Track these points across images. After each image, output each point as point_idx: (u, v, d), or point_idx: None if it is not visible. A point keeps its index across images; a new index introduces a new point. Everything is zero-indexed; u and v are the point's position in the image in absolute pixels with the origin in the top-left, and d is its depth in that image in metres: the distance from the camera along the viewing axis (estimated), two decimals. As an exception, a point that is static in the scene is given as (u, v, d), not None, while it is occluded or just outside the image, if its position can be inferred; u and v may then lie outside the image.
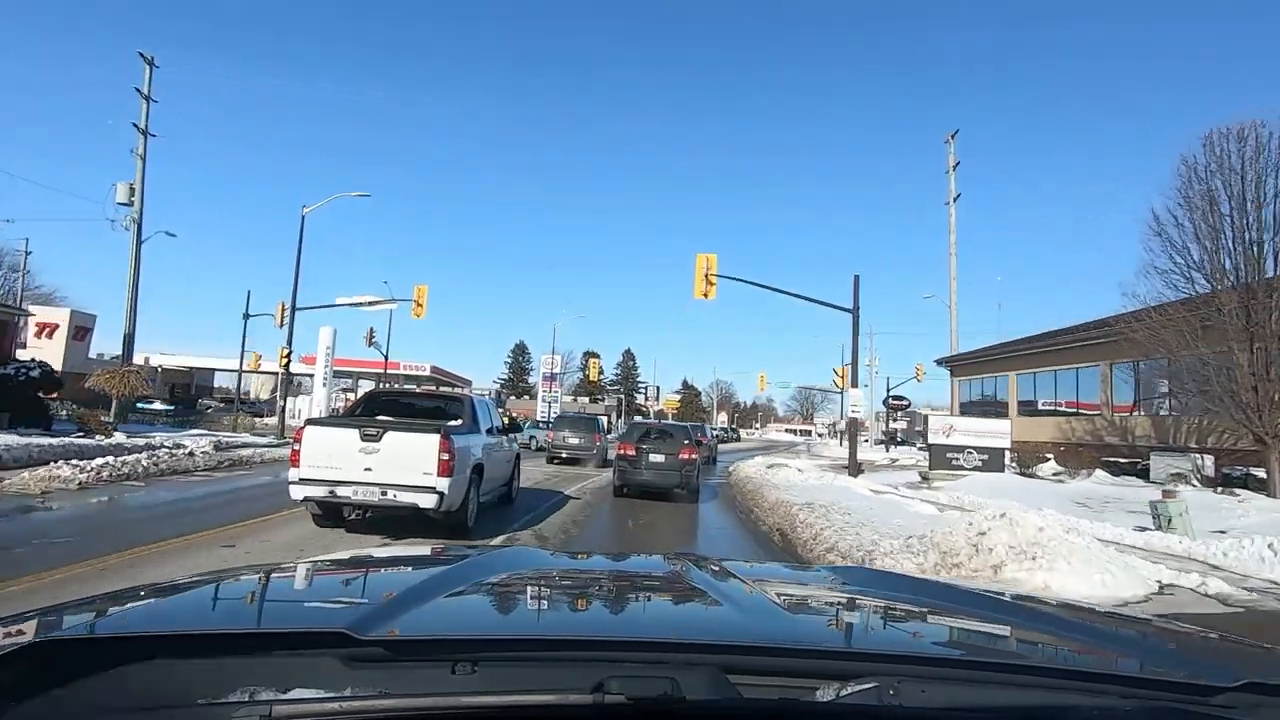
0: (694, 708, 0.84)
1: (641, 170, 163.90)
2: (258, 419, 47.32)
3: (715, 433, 45.03)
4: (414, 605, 1.13)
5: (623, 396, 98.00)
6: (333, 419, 10.44)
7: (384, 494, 7.80)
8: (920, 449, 70.72)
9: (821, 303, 20.04)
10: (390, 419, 8.88)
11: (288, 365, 23.46)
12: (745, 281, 20.85)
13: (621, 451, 13.97)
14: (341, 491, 7.85)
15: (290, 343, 24.03)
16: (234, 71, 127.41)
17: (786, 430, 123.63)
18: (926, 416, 19.97)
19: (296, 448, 8.05)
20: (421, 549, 2.60)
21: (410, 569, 1.73)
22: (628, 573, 1.86)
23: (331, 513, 8.52)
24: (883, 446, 71.72)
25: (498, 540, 8.48)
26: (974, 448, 18.92)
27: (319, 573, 1.64)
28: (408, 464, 7.77)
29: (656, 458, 13.67)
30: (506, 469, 11.10)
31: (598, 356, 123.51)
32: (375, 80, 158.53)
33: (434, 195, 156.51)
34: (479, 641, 1.00)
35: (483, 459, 9.17)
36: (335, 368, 51.87)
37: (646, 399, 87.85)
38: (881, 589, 1.65)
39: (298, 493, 8.01)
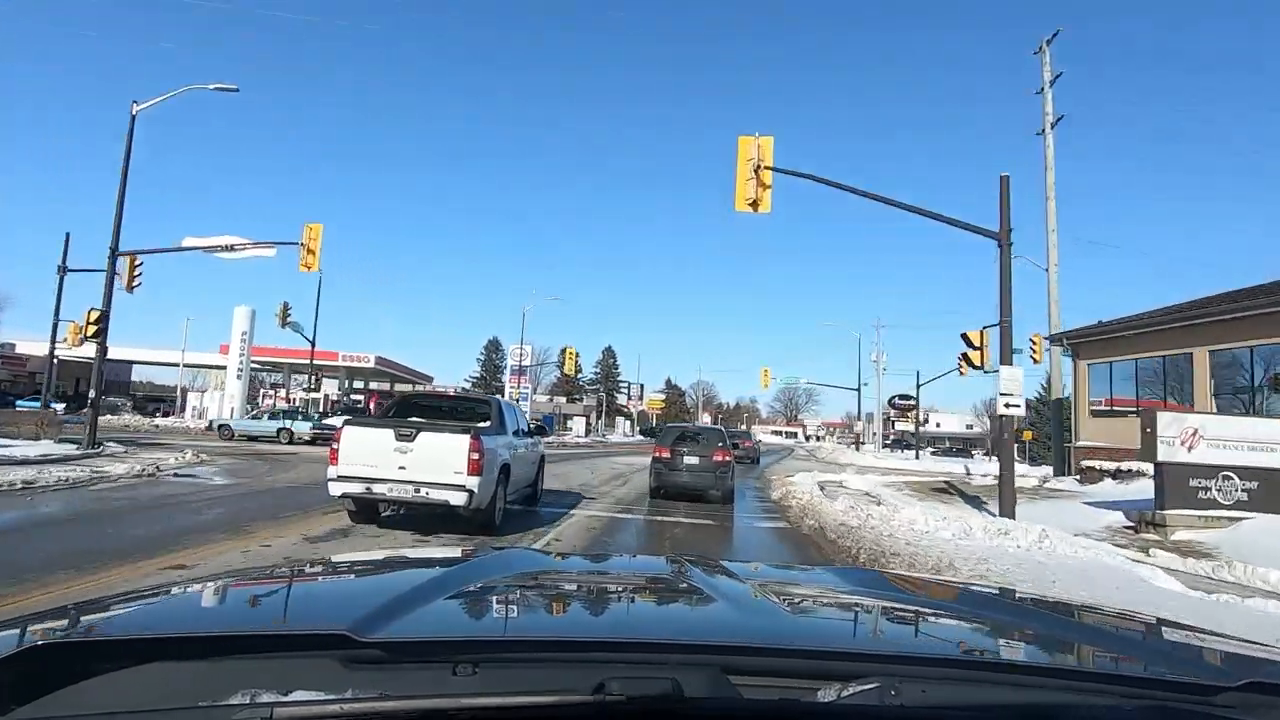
0: (695, 708, 0.84)
1: (623, 159, 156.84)
2: (155, 419, 38.95)
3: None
4: (415, 607, 1.12)
5: (602, 396, 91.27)
6: (371, 419, 10.33)
7: (417, 491, 8.17)
8: (939, 454, 64.03)
9: (954, 221, 12.39)
10: (423, 420, 9.11)
11: (97, 337, 15.22)
12: (820, 180, 13.07)
13: (658, 454, 14.29)
14: (377, 489, 8.24)
15: (107, 302, 15.55)
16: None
17: (772, 432, 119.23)
18: (1155, 415, 10.99)
19: (335, 447, 8.47)
20: (424, 550, 2.50)
21: (411, 571, 1.73)
22: (628, 573, 1.86)
23: (366, 508, 8.75)
24: (886, 450, 65.56)
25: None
26: (1237, 470, 10.03)
27: (320, 574, 1.72)
28: (440, 463, 8.12)
29: (691, 460, 13.94)
30: (531, 470, 11.21)
31: (576, 354, 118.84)
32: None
33: (406, 195, 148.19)
34: (480, 643, 1.00)
35: (509, 460, 9.34)
36: (262, 358, 43.67)
37: (629, 399, 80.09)
38: (883, 590, 1.67)
39: (336, 489, 8.38)
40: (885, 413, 70.53)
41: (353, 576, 1.70)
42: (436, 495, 8.13)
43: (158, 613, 1.25)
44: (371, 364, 44.00)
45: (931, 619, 1.44)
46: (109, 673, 0.85)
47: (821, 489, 16.56)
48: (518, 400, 44.54)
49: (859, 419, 63.15)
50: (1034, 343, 27.21)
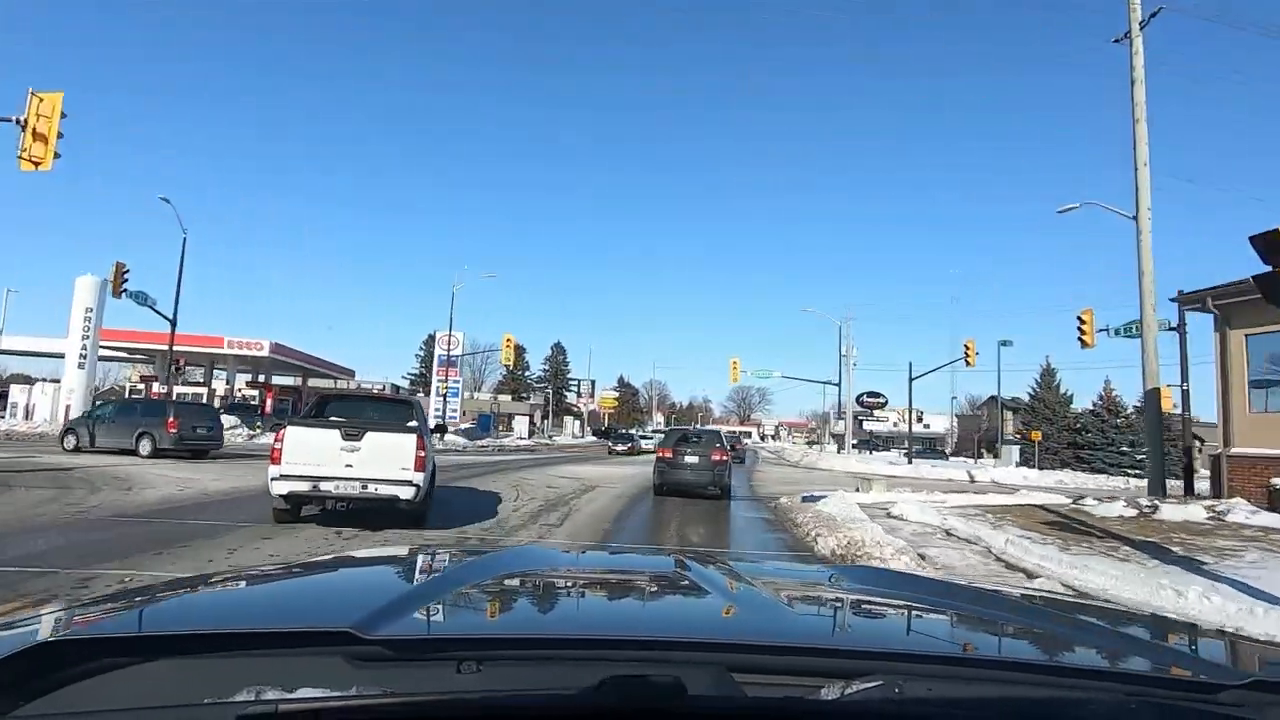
0: (698, 706, 0.84)
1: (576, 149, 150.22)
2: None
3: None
4: (419, 604, 1.13)
5: (550, 394, 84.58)
6: (311, 420, 9.84)
7: (364, 488, 8.65)
8: (911, 457, 59.34)
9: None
10: (368, 420, 9.46)
11: None
12: None
13: (661, 455, 15.64)
14: (324, 486, 8.62)
15: None
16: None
17: (726, 433, 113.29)
18: None
19: (278, 447, 8.70)
20: (424, 550, 2.28)
21: (415, 568, 1.74)
22: (632, 571, 1.86)
23: (296, 508, 9.03)
24: (858, 451, 60.47)
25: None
26: None
27: (323, 572, 1.69)
28: (388, 460, 8.68)
29: (692, 459, 15.16)
30: (434, 467, 11.54)
31: (517, 344, 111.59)
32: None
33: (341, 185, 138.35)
34: (484, 640, 1.00)
35: (433, 458, 9.98)
36: (118, 343, 35.50)
37: (579, 396, 73.36)
38: (885, 587, 1.65)
39: (281, 488, 8.63)
40: (854, 411, 65.43)
41: (358, 573, 1.70)
42: (385, 490, 8.60)
43: (161, 610, 1.25)
44: (265, 352, 36.09)
45: (935, 617, 1.42)
46: (112, 671, 0.85)
47: (892, 519, 10.37)
48: (445, 395, 37.57)
49: (836, 417, 57.27)
50: (1083, 321, 21.68)
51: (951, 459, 63.44)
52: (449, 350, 37.97)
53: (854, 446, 65.49)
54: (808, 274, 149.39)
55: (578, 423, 73.51)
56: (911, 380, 36.20)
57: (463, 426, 41.73)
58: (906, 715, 0.88)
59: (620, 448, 40.37)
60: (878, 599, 1.52)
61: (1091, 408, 42.98)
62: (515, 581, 1.48)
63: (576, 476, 19.80)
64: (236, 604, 1.36)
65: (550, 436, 61.55)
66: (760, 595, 1.37)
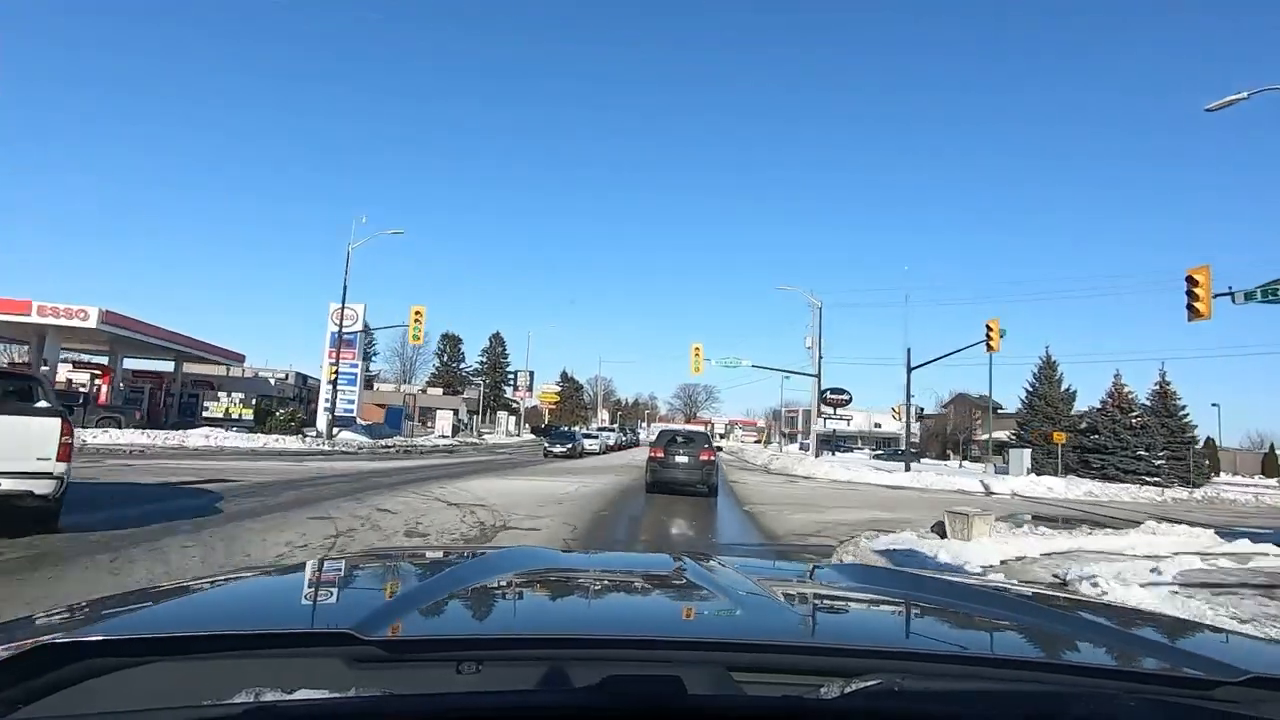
0: (698, 705, 0.85)
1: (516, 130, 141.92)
2: None
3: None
4: (418, 605, 1.13)
5: (485, 387, 76.87)
6: None
7: None
8: (884, 456, 53.71)
9: None
10: None
11: None
12: None
13: (653, 455, 16.26)
14: None
15: None
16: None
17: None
18: None
19: None
20: (423, 549, 2.66)
21: (414, 569, 1.76)
22: (631, 570, 1.83)
23: None
24: (823, 452, 54.85)
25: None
26: None
27: (322, 573, 1.68)
28: (23, 448, 7.15)
29: (682, 459, 15.79)
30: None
31: (459, 340, 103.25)
32: None
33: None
34: (483, 641, 1.00)
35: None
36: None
37: (515, 389, 65.80)
38: (884, 586, 1.65)
39: None
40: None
41: (357, 574, 1.70)
42: (16, 485, 6.98)
43: (161, 611, 1.24)
44: (92, 323, 27.51)
45: (934, 615, 1.41)
46: (112, 672, 0.85)
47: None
48: (335, 382, 29.58)
49: (793, 416, 51.37)
50: (1195, 283, 15.70)
51: (925, 462, 58.62)
52: (341, 326, 30.05)
53: (806, 447, 60.67)
54: (765, 265, 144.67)
55: (513, 419, 65.83)
56: (910, 370, 30.27)
57: (363, 423, 33.86)
58: (906, 713, 0.88)
59: (558, 449, 33.32)
60: (877, 597, 1.53)
61: (1100, 405, 37.76)
62: (515, 581, 1.48)
63: (480, 502, 12.71)
64: (236, 605, 1.35)
65: (480, 435, 54.04)
66: (759, 594, 1.38)
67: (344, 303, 30.65)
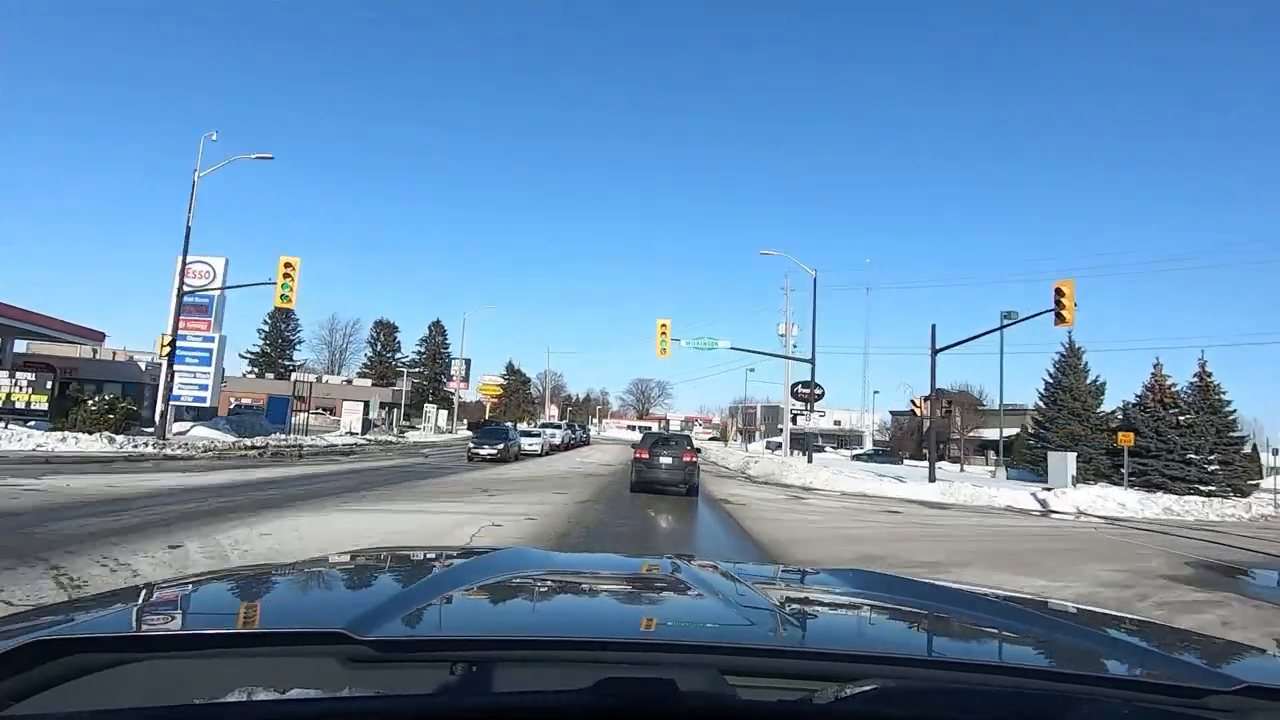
0: (692, 708, 0.84)
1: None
2: None
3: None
4: (412, 605, 1.12)
5: (423, 379, 68.87)
6: None
7: None
8: (867, 457, 47.73)
9: None
10: None
11: None
12: None
13: (638, 455, 16.78)
14: None
15: None
16: None
17: (627, 426, 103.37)
18: None
19: None
20: (418, 549, 2.39)
21: (409, 569, 1.74)
22: (626, 573, 1.82)
23: None
24: (795, 452, 48.59)
25: None
26: None
27: (317, 572, 1.66)
28: None
29: (666, 459, 16.33)
30: None
31: (394, 327, 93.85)
32: None
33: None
34: (477, 641, 0.99)
35: None
36: None
37: (451, 379, 57.74)
38: (878, 591, 1.64)
39: None
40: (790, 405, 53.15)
41: (351, 574, 1.68)
42: None
43: (154, 610, 1.23)
44: None
45: (928, 620, 1.40)
46: (105, 670, 0.84)
47: None
48: (168, 356, 21.08)
49: (785, 410, 44.77)
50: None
51: (908, 465, 52.88)
52: (181, 284, 21.53)
53: (773, 446, 54.11)
54: (733, 249, 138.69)
55: (445, 414, 57.73)
56: (935, 352, 23.73)
57: (222, 417, 25.74)
58: (899, 719, 0.88)
59: (486, 451, 25.81)
60: (872, 603, 1.51)
61: (1136, 400, 31.47)
62: (509, 583, 1.47)
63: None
64: (231, 604, 1.34)
65: (401, 432, 45.93)
66: (755, 598, 1.37)
67: (185, 253, 22.12)
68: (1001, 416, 35.28)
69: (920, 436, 69.29)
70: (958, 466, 52.13)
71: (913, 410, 69.78)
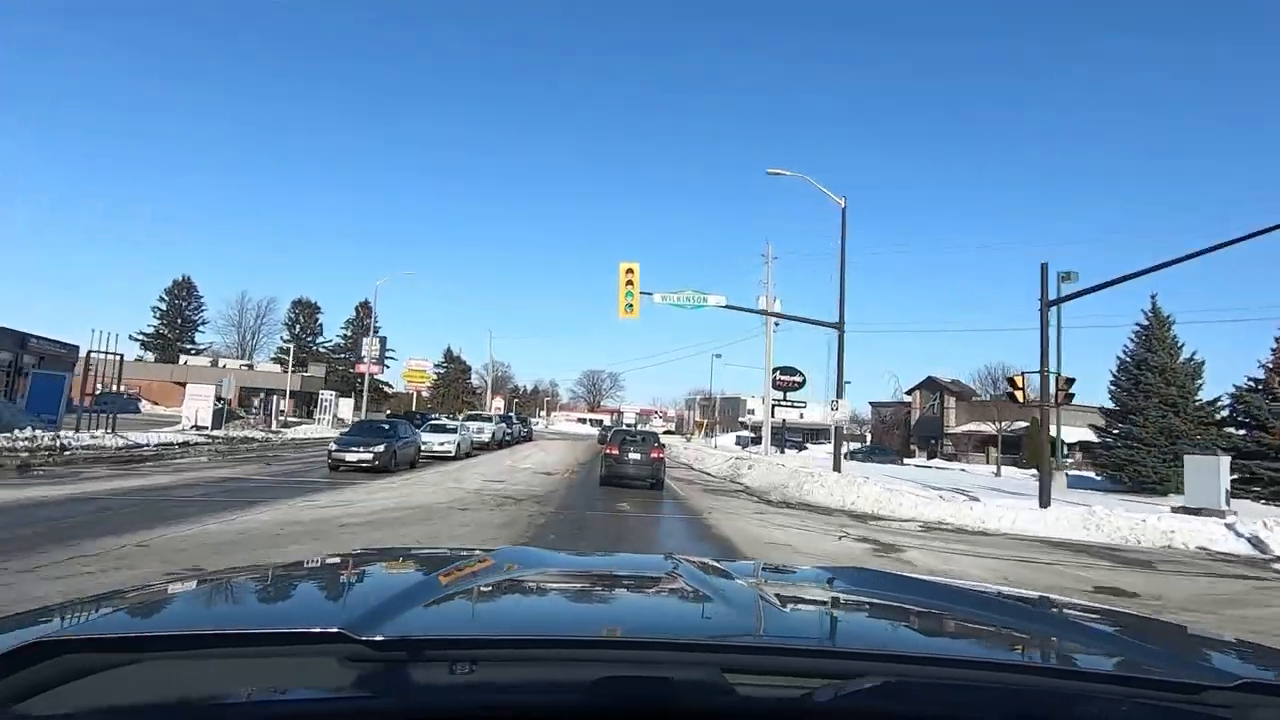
0: (692, 707, 0.85)
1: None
2: None
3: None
4: (412, 605, 1.12)
5: (346, 364, 59.06)
6: None
7: None
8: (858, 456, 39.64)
9: None
10: None
11: None
12: None
13: (608, 451, 17.80)
14: None
15: None
16: None
17: (578, 420, 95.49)
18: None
19: None
20: (418, 549, 2.40)
21: (407, 569, 1.74)
22: (625, 572, 1.82)
23: None
24: (772, 450, 40.82)
25: None
26: None
27: (316, 573, 1.69)
28: None
29: (634, 456, 17.40)
30: None
31: (316, 308, 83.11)
32: None
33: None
34: (476, 641, 1.00)
35: None
36: None
37: (364, 361, 48.00)
38: (877, 588, 1.65)
39: None
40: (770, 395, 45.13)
41: (349, 574, 1.68)
42: None
43: (155, 610, 1.23)
44: None
45: (928, 618, 1.40)
46: (106, 670, 0.84)
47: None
48: None
49: (794, 400, 36.45)
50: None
51: (909, 463, 45.57)
52: None
53: (743, 441, 46.02)
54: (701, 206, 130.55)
55: (349, 403, 48.04)
56: (1059, 303, 15.54)
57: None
58: (899, 716, 0.88)
59: (351, 457, 16.72)
60: (872, 600, 1.51)
61: (1254, 383, 23.81)
62: (509, 582, 1.47)
63: None
64: (230, 604, 1.34)
65: (282, 424, 36.31)
66: (754, 596, 1.37)
67: None
68: (1058, 410, 27.39)
69: (907, 431, 62.59)
70: (957, 465, 45.53)
71: (903, 401, 63.29)
